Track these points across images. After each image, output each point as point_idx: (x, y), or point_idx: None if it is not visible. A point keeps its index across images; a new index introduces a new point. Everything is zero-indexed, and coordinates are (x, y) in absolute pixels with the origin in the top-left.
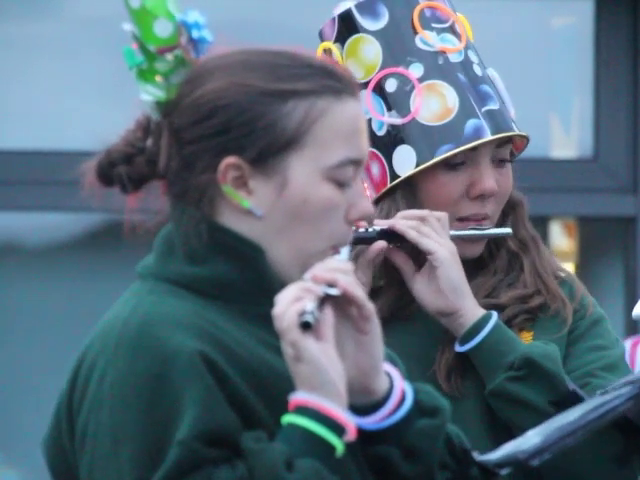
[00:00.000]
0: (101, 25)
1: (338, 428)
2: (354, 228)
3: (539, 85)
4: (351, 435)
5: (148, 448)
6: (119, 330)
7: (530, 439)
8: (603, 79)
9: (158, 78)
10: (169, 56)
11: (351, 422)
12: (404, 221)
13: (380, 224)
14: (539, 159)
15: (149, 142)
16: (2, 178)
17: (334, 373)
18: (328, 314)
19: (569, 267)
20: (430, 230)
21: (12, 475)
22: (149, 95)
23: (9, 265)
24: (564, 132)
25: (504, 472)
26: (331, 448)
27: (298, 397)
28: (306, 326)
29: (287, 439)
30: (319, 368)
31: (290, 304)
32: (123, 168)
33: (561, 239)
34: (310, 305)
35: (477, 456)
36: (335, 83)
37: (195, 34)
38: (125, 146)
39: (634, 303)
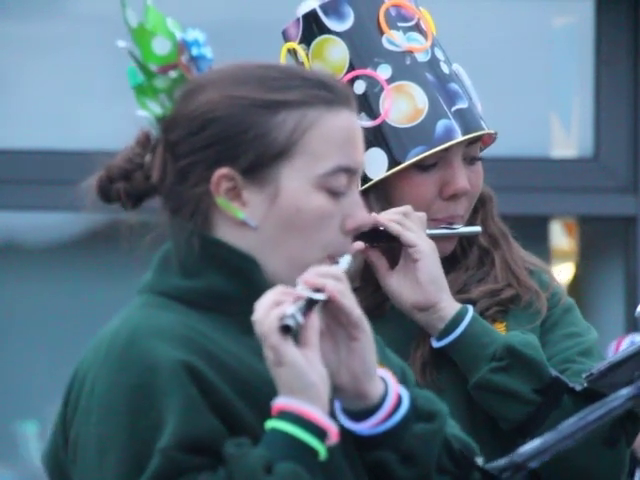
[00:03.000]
0: (105, 24)
1: (319, 431)
2: None
3: (539, 85)
4: (333, 438)
5: (131, 458)
6: (108, 343)
7: (530, 443)
8: (603, 79)
9: (161, 96)
10: (170, 74)
11: (333, 425)
12: (386, 214)
13: None
14: (539, 158)
15: (147, 158)
16: (3, 177)
17: (315, 377)
18: (314, 319)
19: (569, 266)
20: (412, 224)
21: (8, 475)
22: (147, 112)
23: (9, 264)
24: (564, 132)
25: (506, 476)
26: (313, 451)
27: (279, 402)
28: (286, 330)
29: (269, 444)
30: (299, 372)
31: (270, 308)
32: (121, 184)
33: (561, 239)
34: (290, 309)
35: (481, 463)
36: (327, 94)
37: (195, 51)
38: (124, 162)
39: (634, 302)
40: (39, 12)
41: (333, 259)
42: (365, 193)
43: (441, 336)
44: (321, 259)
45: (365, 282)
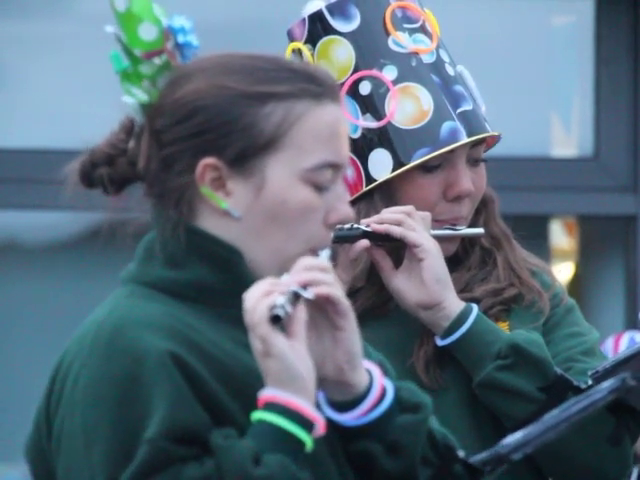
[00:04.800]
0: (109, 23)
1: (307, 423)
2: (340, 226)
3: (540, 84)
4: (320, 430)
5: (119, 448)
6: (94, 333)
7: (513, 435)
8: (603, 78)
9: (144, 82)
10: (155, 60)
11: (320, 417)
12: (389, 215)
13: (366, 220)
14: (539, 158)
15: (131, 144)
16: (4, 176)
17: (303, 369)
18: (300, 311)
19: (569, 266)
20: (415, 224)
21: (13, 474)
22: (132, 98)
23: (9, 263)
24: (564, 131)
25: (489, 469)
26: (300, 443)
27: (267, 393)
28: (276, 320)
29: (256, 435)
30: (288, 363)
31: (260, 298)
32: (105, 169)
33: (561, 238)
34: (280, 299)
35: (463, 455)
36: (315, 87)
37: (181, 39)
38: (107, 147)
39: (634, 301)
40: (44, 11)
41: (315, 252)
42: (370, 194)
43: (446, 334)
44: (303, 252)
45: (370, 282)
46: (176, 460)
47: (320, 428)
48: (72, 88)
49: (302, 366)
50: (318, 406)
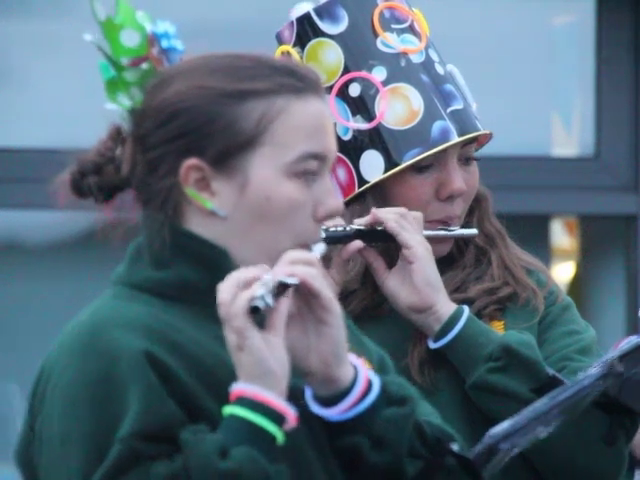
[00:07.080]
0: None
1: (276, 416)
2: (333, 228)
3: (540, 83)
4: (292, 422)
5: (95, 448)
6: (74, 336)
7: (500, 424)
8: (604, 77)
9: (132, 89)
10: (140, 67)
11: (291, 410)
12: (382, 215)
13: (360, 221)
14: (540, 157)
15: (119, 151)
16: (4, 176)
17: (275, 363)
18: (283, 304)
19: (570, 265)
20: (409, 225)
21: (8, 474)
22: (117, 105)
23: (9, 263)
24: (565, 130)
25: (482, 460)
26: (269, 436)
27: (237, 388)
28: (255, 311)
29: (226, 429)
30: (259, 358)
31: (236, 290)
32: (93, 178)
33: (562, 237)
34: (260, 291)
35: (457, 448)
36: (295, 82)
37: (165, 44)
38: (95, 156)
39: (635, 301)
40: (46, 11)
41: (305, 247)
42: (362, 195)
43: (437, 337)
44: (292, 248)
45: (364, 284)
46: (148, 458)
47: (291, 421)
48: (74, 88)
49: (274, 361)
50: (297, 400)
